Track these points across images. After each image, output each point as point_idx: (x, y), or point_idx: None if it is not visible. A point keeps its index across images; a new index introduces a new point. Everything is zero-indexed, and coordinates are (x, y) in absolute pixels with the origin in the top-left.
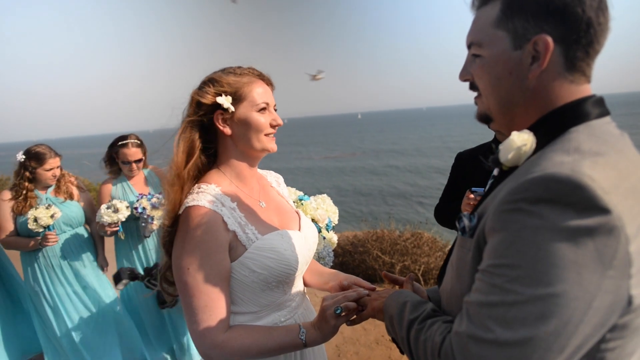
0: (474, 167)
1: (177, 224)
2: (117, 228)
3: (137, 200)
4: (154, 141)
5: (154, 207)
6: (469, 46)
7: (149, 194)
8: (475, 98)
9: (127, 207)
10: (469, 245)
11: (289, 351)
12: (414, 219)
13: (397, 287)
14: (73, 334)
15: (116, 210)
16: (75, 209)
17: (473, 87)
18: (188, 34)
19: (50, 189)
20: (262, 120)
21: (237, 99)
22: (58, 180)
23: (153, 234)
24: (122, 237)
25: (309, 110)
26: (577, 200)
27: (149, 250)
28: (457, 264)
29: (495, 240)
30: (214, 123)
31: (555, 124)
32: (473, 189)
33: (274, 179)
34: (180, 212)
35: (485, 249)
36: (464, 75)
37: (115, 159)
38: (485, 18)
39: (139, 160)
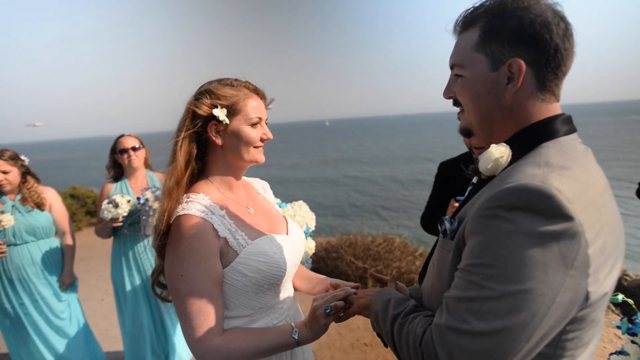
0: (456, 175)
1: (169, 231)
2: (121, 224)
3: (142, 193)
4: (153, 143)
5: (157, 199)
6: (452, 67)
7: (154, 186)
8: (459, 114)
9: (129, 201)
10: (449, 247)
11: (283, 350)
12: (371, 233)
13: (382, 286)
14: (36, 343)
15: (116, 205)
16: (42, 219)
17: (456, 103)
18: (178, 37)
19: (19, 197)
20: (254, 134)
21: (232, 112)
22: (22, 188)
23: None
24: (127, 233)
25: (274, 117)
26: (546, 209)
27: (139, 256)
28: (438, 263)
29: (473, 242)
30: (207, 133)
31: (528, 139)
32: (458, 197)
33: (260, 185)
34: (171, 220)
35: (464, 250)
36: (448, 93)
37: (116, 160)
38: (466, 42)
39: (137, 149)
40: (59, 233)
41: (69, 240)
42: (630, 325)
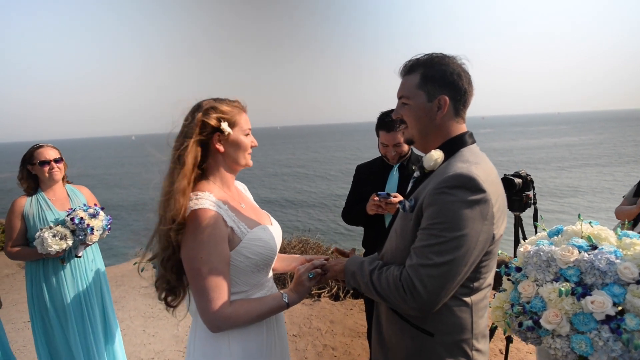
0: (369, 175)
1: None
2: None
3: (69, 214)
4: (138, 148)
5: (92, 216)
6: (400, 97)
7: (84, 204)
8: (404, 129)
9: (74, 231)
10: (410, 217)
11: (278, 312)
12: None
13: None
14: None
15: (64, 237)
16: None
17: (402, 122)
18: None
19: None
20: (247, 142)
21: (231, 125)
22: None
23: (87, 252)
24: (64, 264)
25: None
26: (471, 186)
27: (65, 279)
28: (401, 230)
29: (430, 211)
30: (211, 142)
31: (452, 147)
32: (379, 193)
33: (242, 187)
34: (185, 214)
35: (423, 217)
36: (396, 115)
37: (30, 171)
38: (410, 82)
39: (59, 160)
40: None
41: None
42: (506, 269)
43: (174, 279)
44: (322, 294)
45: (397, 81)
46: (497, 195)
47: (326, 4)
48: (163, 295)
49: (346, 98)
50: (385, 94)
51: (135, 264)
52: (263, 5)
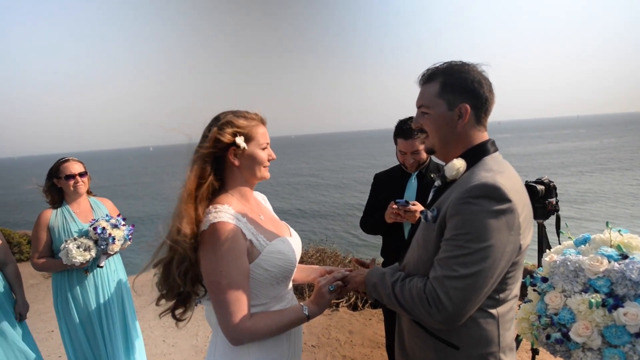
0: (387, 184)
1: (197, 236)
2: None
3: (92, 224)
4: (155, 159)
5: (114, 226)
6: (419, 107)
7: (107, 215)
8: (424, 138)
9: (96, 241)
10: (432, 228)
11: (298, 324)
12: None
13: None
14: None
15: (87, 248)
16: None
17: (422, 131)
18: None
19: None
20: (264, 155)
21: (247, 139)
22: None
23: (110, 262)
24: (88, 275)
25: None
26: (497, 196)
27: (89, 290)
28: (424, 240)
29: (454, 221)
30: (226, 156)
31: (474, 155)
32: (397, 200)
33: (261, 197)
34: (204, 227)
35: (447, 227)
36: (416, 124)
37: (55, 185)
38: (430, 91)
39: (84, 174)
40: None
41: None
42: (531, 280)
43: (190, 288)
44: (341, 304)
45: (400, 87)
46: (522, 204)
47: (328, 6)
48: (172, 307)
49: (349, 105)
50: (389, 99)
51: (155, 275)
52: (264, 12)
